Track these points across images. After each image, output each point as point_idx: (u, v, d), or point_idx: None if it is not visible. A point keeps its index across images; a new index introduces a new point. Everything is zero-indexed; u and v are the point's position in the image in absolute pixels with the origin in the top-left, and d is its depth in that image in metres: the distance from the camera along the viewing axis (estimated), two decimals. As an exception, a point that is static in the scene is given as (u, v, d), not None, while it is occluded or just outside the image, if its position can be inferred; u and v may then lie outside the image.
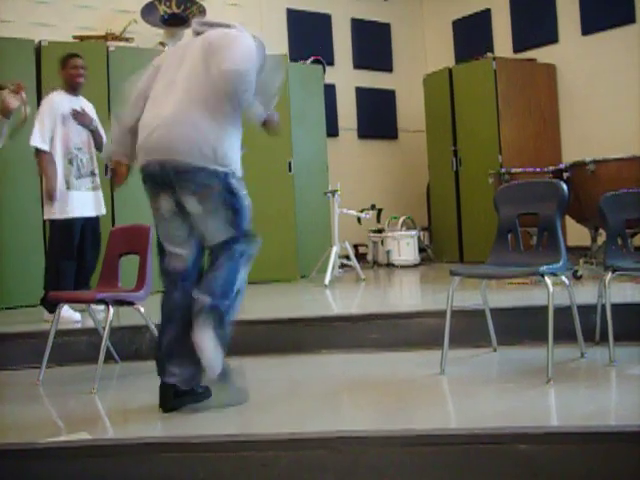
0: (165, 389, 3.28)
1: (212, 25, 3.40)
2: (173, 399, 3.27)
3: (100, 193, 5.56)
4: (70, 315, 5.11)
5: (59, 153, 5.30)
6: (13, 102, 4.26)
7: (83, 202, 5.38)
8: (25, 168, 6.08)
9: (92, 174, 5.46)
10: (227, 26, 3.37)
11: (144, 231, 4.18)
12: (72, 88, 5.44)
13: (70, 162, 5.33)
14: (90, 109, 5.52)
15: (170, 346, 3.29)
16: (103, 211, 5.59)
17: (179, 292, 3.31)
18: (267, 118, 3.60)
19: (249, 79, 3.18)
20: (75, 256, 5.36)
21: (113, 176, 3.58)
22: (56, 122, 5.28)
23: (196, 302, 3.17)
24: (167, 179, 3.20)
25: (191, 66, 3.26)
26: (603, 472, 2.63)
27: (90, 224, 5.44)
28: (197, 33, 3.43)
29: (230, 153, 3.24)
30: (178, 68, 3.30)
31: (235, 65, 3.13)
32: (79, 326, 4.99)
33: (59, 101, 5.36)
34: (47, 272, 5.36)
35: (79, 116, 5.29)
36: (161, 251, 3.38)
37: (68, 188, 5.31)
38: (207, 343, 3.13)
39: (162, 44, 7.06)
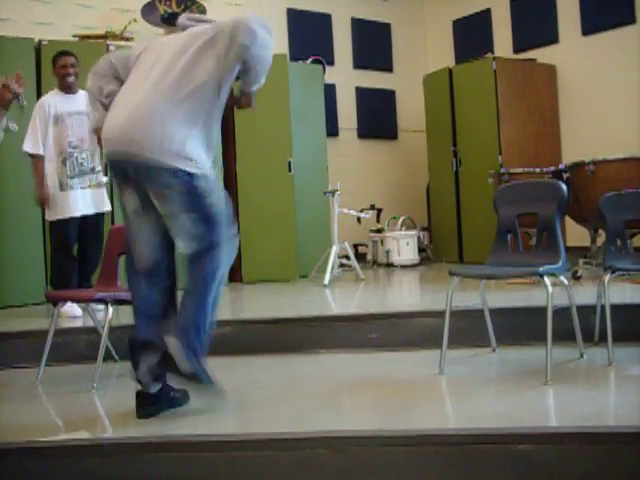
0: (140, 395, 3.23)
1: (200, 21, 3.34)
2: (149, 406, 3.22)
3: (102, 190, 5.56)
4: (72, 310, 5.16)
5: (52, 154, 5.31)
6: (9, 94, 4.23)
7: (78, 201, 5.38)
8: (24, 165, 6.08)
9: (92, 171, 5.46)
10: (213, 22, 3.30)
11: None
12: (63, 87, 5.44)
13: (64, 162, 5.35)
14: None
15: (141, 337, 3.22)
16: (105, 208, 5.58)
17: (146, 290, 3.23)
18: (247, 92, 3.44)
19: (264, 39, 3.15)
20: (73, 254, 5.37)
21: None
22: (48, 123, 5.29)
23: (168, 344, 3.05)
24: (132, 172, 3.10)
25: (169, 61, 3.16)
26: (602, 473, 2.64)
27: (89, 222, 5.44)
28: (183, 28, 3.33)
29: (197, 153, 3.09)
30: (155, 62, 3.21)
31: (253, 21, 3.10)
32: (79, 324, 5.01)
33: (51, 101, 5.37)
34: (51, 270, 5.48)
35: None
36: (128, 248, 3.29)
37: (62, 189, 5.33)
38: (174, 345, 3.05)
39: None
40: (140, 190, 3.13)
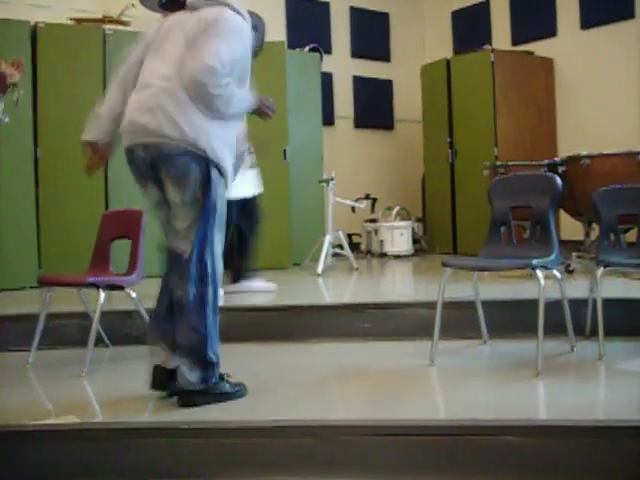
0: (157, 369, 3.24)
1: (209, 3, 3.23)
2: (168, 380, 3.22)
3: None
4: (267, 286, 5.48)
5: None
6: (10, 76, 4.12)
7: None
8: (16, 149, 6.07)
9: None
10: (225, 4, 3.22)
11: (136, 215, 4.16)
12: None
13: None
14: None
15: (161, 313, 3.25)
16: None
17: (170, 277, 3.22)
18: (258, 104, 3.44)
19: (221, 81, 3.01)
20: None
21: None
22: None
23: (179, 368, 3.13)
24: (151, 163, 3.10)
25: (179, 46, 3.12)
26: (590, 465, 2.65)
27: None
28: (193, 8, 3.25)
29: (216, 142, 3.09)
30: (169, 46, 3.17)
31: (208, 64, 2.98)
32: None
33: None
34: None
35: None
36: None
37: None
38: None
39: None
40: (159, 183, 3.14)
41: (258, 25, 3.46)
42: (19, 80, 4.00)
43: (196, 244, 3.08)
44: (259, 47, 3.58)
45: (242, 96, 3.20)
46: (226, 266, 5.19)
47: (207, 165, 3.08)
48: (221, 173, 3.15)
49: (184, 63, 3.05)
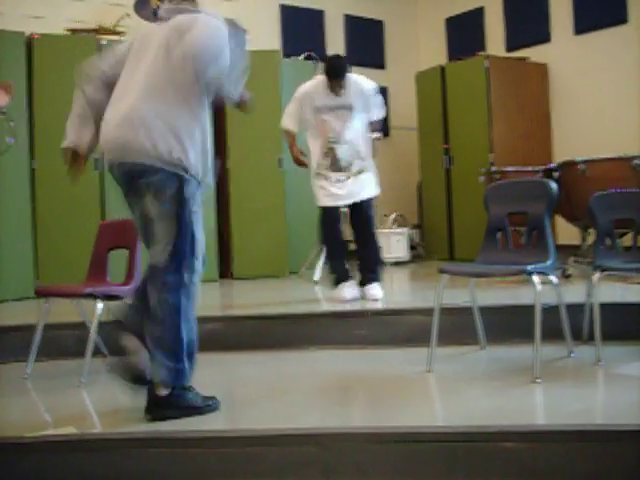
0: (150, 396, 3.16)
1: (180, 11, 3.21)
2: (158, 408, 3.13)
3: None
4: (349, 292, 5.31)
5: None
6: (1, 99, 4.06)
7: None
8: (14, 158, 6.08)
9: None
10: (196, 11, 3.20)
11: (133, 225, 4.15)
12: None
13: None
14: None
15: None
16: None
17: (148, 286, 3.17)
18: (240, 98, 3.39)
19: (218, 57, 3.06)
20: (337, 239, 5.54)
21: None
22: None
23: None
24: (130, 179, 3.10)
25: (153, 58, 3.11)
26: (589, 471, 2.65)
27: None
28: (164, 20, 3.23)
29: (190, 156, 3.07)
30: (141, 59, 3.16)
31: (203, 42, 3.05)
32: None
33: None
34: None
35: None
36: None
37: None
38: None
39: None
40: (140, 196, 3.12)
41: (232, 28, 3.37)
42: (7, 104, 3.93)
43: (173, 257, 3.06)
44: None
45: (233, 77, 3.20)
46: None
47: (182, 181, 3.06)
48: (199, 183, 3.14)
49: (175, 54, 3.07)
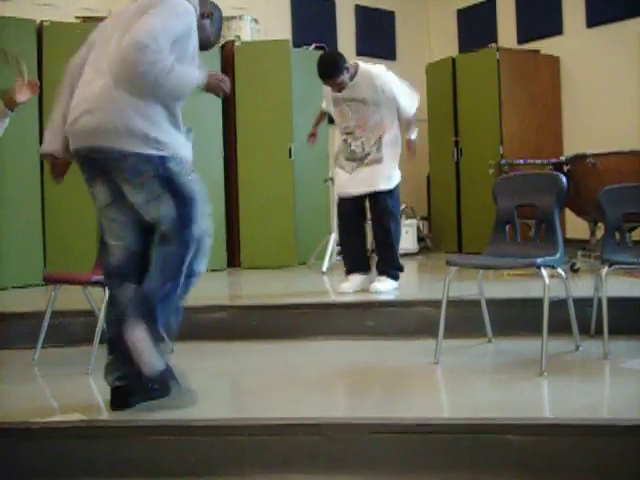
0: (115, 389, 3.12)
1: None
2: (125, 398, 3.10)
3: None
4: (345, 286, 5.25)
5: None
6: (22, 96, 3.95)
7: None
8: (23, 147, 6.08)
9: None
10: None
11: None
12: None
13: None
14: None
15: (110, 344, 3.13)
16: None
17: (119, 282, 3.12)
18: (209, 80, 3.16)
19: (153, 57, 2.82)
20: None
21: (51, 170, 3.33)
22: None
23: (125, 291, 3.01)
24: (100, 166, 3.00)
25: (119, 39, 2.94)
26: (595, 464, 2.65)
27: None
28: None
29: (165, 135, 2.96)
30: (107, 43, 3.02)
31: (134, 39, 2.82)
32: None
33: None
34: None
35: None
36: (102, 244, 3.21)
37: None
38: (138, 344, 2.89)
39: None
40: (110, 183, 3.03)
41: (214, 12, 3.29)
42: (26, 101, 3.87)
43: (176, 231, 2.98)
44: (215, 37, 3.40)
45: (183, 71, 2.97)
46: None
47: (160, 160, 2.96)
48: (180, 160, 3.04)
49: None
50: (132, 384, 3.08)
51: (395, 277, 5.33)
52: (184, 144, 3.09)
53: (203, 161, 7.08)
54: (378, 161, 5.30)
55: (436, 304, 3.92)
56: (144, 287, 3.02)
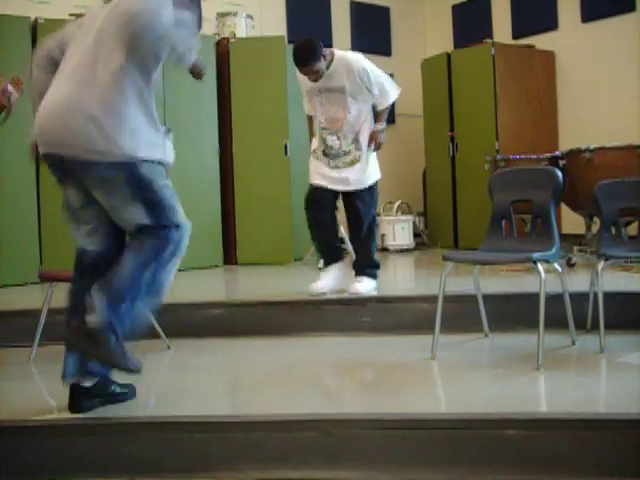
0: (73, 389, 3.07)
1: None
2: (84, 400, 3.05)
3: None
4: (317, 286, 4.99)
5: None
6: (8, 97, 3.89)
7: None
8: (19, 144, 6.06)
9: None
10: None
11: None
12: None
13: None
14: None
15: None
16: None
17: (87, 282, 2.97)
18: (194, 63, 3.15)
19: (156, 19, 2.81)
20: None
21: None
22: None
23: (88, 301, 2.84)
24: (69, 170, 2.94)
25: (93, 40, 2.91)
26: (591, 458, 2.66)
27: None
28: (106, 1, 3.06)
29: (134, 140, 2.86)
30: (82, 42, 2.96)
31: (137, 7, 2.83)
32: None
33: None
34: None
35: None
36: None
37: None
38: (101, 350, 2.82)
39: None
40: (82, 186, 2.97)
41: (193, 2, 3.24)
42: (16, 99, 3.80)
43: (147, 237, 2.91)
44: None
45: (188, 24, 2.94)
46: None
47: (131, 166, 2.87)
48: (157, 164, 2.96)
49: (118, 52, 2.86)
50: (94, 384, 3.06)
51: (374, 276, 5.14)
52: (160, 146, 2.99)
53: (199, 158, 7.10)
54: (357, 160, 5.09)
55: (432, 299, 3.92)
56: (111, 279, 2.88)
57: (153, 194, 2.91)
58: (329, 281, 5.05)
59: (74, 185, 3.01)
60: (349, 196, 5.12)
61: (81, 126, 2.82)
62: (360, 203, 5.09)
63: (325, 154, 5.16)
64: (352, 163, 5.10)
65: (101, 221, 3.05)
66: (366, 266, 5.15)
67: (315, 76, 4.96)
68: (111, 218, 3.00)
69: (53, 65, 3.09)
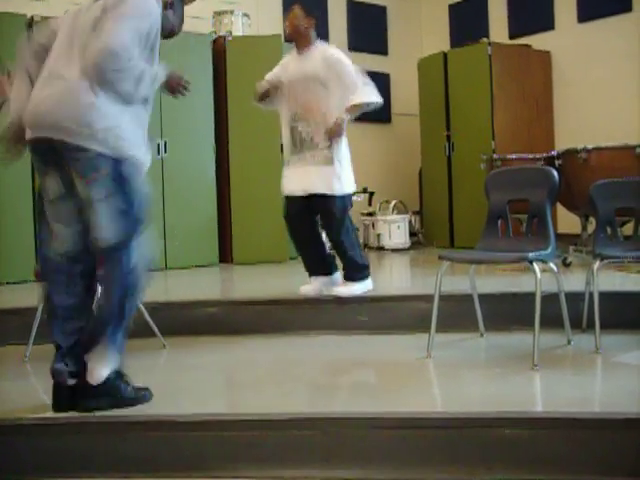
0: (59, 388, 3.08)
1: None
2: (66, 399, 3.05)
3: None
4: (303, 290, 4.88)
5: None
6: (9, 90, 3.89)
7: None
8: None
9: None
10: None
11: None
12: None
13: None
14: None
15: (62, 341, 3.15)
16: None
17: (61, 287, 3.09)
18: (168, 80, 3.14)
19: (125, 64, 2.84)
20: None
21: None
22: None
23: (88, 339, 3.01)
24: (56, 157, 2.96)
25: (86, 36, 2.94)
26: (586, 458, 2.66)
27: None
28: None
29: (125, 137, 2.94)
30: (76, 34, 2.99)
31: (106, 45, 2.81)
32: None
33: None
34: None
35: None
36: (43, 234, 3.18)
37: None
38: (100, 372, 3.02)
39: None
40: (64, 174, 3.00)
41: (174, 1, 3.23)
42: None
43: (121, 236, 2.97)
44: (179, 25, 3.33)
45: (153, 74, 3.00)
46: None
47: (117, 161, 2.93)
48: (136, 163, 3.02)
49: (87, 49, 2.90)
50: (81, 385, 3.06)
51: (360, 279, 4.86)
52: (144, 147, 3.06)
53: (195, 156, 7.10)
54: (328, 161, 4.79)
55: (428, 299, 3.93)
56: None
57: (131, 192, 2.97)
58: (317, 286, 4.92)
59: (55, 173, 3.02)
60: (321, 200, 4.80)
61: (80, 115, 2.87)
62: (331, 209, 4.79)
63: (294, 150, 4.90)
64: (323, 163, 4.80)
65: (73, 219, 3.06)
66: (349, 271, 4.90)
67: (291, 29, 4.94)
68: (83, 218, 3.02)
69: (39, 56, 3.14)
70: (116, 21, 2.88)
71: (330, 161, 4.80)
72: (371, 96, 4.93)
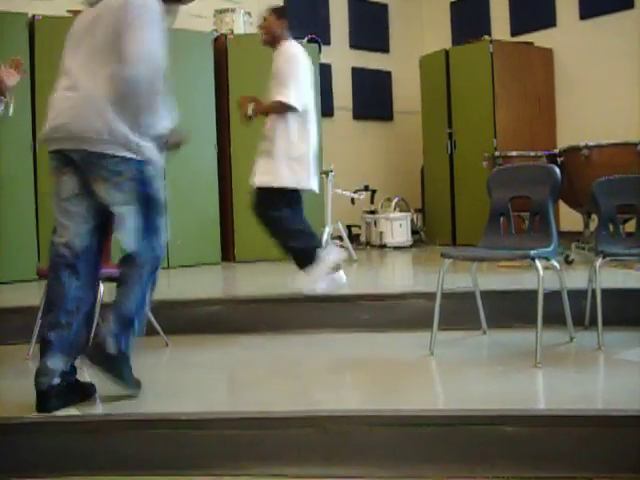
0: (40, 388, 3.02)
1: None
2: (50, 399, 3.00)
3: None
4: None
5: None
6: (11, 80, 3.92)
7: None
8: (16, 141, 6.06)
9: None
10: None
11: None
12: None
13: None
14: None
15: (55, 338, 3.09)
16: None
17: (67, 277, 3.13)
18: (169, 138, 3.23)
19: (154, 82, 2.97)
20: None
21: None
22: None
23: (103, 341, 3.06)
24: (76, 160, 3.03)
25: (95, 41, 3.01)
26: (589, 455, 2.66)
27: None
28: (91, 4, 3.17)
29: (143, 140, 3.02)
30: (81, 43, 3.07)
31: (137, 70, 2.91)
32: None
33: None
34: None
35: None
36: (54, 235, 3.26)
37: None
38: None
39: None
40: (80, 175, 3.06)
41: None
42: (17, 82, 3.82)
43: (143, 237, 3.06)
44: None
45: (160, 109, 3.08)
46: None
47: (138, 163, 3.02)
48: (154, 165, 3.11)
49: (118, 59, 2.94)
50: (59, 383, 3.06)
51: (307, 263, 4.75)
52: (157, 151, 3.14)
53: (197, 155, 7.09)
54: (269, 154, 4.83)
55: (430, 296, 3.92)
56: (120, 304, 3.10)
57: (154, 191, 3.09)
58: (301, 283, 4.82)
59: (72, 174, 3.08)
60: (254, 191, 4.85)
61: (99, 122, 2.94)
62: (262, 202, 4.80)
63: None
64: (265, 154, 4.86)
65: (89, 214, 3.12)
66: (296, 260, 4.84)
67: (268, 37, 5.13)
68: (96, 216, 3.12)
69: None
70: (141, 32, 2.95)
71: (266, 154, 4.86)
72: (284, 96, 4.90)
